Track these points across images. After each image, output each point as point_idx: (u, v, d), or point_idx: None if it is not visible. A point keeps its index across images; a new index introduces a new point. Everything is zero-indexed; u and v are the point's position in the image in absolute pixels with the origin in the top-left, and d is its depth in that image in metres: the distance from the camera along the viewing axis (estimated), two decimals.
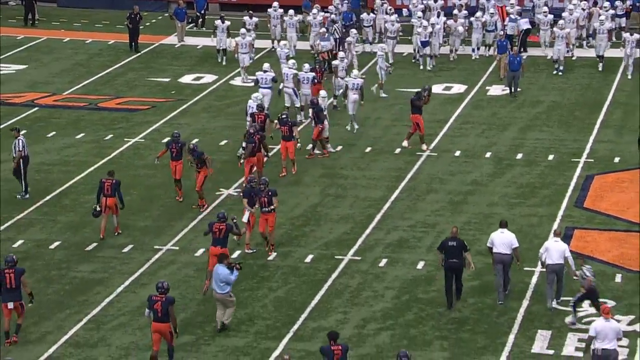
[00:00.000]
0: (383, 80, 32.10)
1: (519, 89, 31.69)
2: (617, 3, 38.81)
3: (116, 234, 22.80)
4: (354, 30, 36.64)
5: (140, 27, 39.69)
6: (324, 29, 35.65)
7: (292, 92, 29.72)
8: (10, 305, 17.73)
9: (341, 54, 32.56)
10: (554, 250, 19.22)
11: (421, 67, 35.11)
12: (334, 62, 31.46)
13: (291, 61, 31.79)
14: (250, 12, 38.10)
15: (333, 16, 37.66)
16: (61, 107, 34.01)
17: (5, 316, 17.96)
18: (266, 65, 31.27)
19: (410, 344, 16.63)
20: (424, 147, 26.85)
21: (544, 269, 18.97)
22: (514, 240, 19.04)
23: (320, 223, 22.16)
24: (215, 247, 20.04)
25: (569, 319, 17.59)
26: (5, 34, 41.95)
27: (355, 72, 30.78)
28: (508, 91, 31.59)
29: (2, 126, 31.52)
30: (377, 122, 29.52)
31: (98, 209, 22.70)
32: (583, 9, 36.57)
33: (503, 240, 18.68)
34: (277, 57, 34.43)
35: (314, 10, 38.96)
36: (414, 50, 36.82)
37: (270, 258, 20.96)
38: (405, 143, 27.13)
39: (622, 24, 36.55)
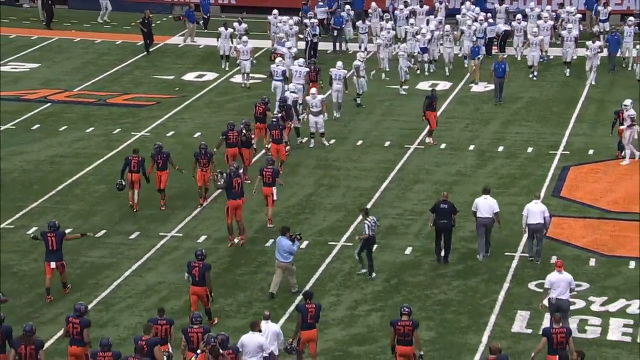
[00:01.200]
0: (404, 79, 31.73)
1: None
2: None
3: (135, 210, 22.99)
4: (384, 33, 35.54)
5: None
6: (282, 34, 35.26)
7: (301, 88, 29.58)
8: (53, 264, 18.49)
9: (361, 54, 32.15)
10: (536, 211, 20.15)
11: (425, 73, 33.32)
12: (355, 63, 30.84)
13: (301, 59, 31.72)
14: (240, 18, 37.58)
15: (306, 20, 37.01)
16: (72, 103, 33.91)
17: (47, 274, 18.67)
18: (278, 60, 31.27)
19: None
20: (429, 140, 26.89)
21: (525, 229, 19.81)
22: (495, 205, 20.17)
23: (315, 211, 22.17)
24: (231, 199, 20.69)
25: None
26: (20, 35, 41.91)
27: (339, 63, 30.45)
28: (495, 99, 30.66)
29: (17, 121, 31.38)
30: (368, 117, 29.23)
31: (123, 183, 23.29)
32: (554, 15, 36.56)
33: (486, 205, 19.62)
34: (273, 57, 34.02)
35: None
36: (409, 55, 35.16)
37: (267, 244, 20.98)
38: (429, 140, 27.01)
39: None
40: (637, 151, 24.35)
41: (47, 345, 16.51)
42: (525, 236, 20.36)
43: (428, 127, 27.33)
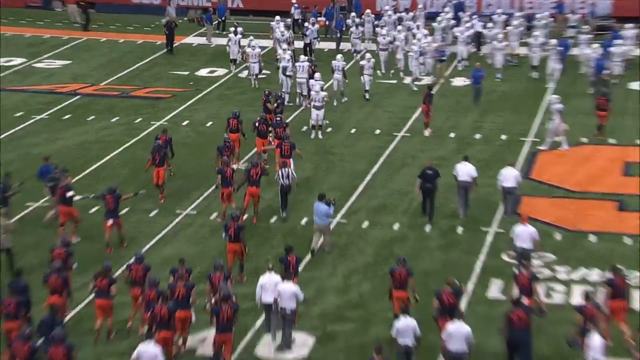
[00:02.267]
0: (415, 76, 31.19)
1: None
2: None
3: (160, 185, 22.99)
4: (380, 38, 34.42)
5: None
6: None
7: (304, 81, 29.30)
8: (110, 221, 19.14)
9: (368, 55, 31.83)
10: (509, 175, 20.88)
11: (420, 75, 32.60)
12: (361, 62, 30.70)
13: (302, 56, 31.63)
14: (234, 27, 36.49)
15: (307, 24, 36.71)
16: (99, 96, 33.36)
17: (107, 230, 19.39)
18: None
19: (386, 294, 16.83)
20: (428, 132, 26.61)
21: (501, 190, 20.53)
22: (473, 171, 20.96)
23: (313, 192, 21.64)
24: (252, 187, 20.72)
25: None
26: (54, 35, 42.14)
27: (338, 56, 30.42)
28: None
29: (50, 112, 31.01)
30: (361, 108, 28.95)
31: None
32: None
33: (465, 170, 20.24)
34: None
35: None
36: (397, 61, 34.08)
37: (272, 221, 20.99)
38: (427, 132, 26.69)
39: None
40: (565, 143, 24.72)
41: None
42: (492, 231, 20.39)
43: (426, 120, 26.67)
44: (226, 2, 43.31)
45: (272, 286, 15.90)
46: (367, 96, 29.59)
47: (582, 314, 14.93)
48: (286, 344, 15.55)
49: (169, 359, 14.96)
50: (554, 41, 32.73)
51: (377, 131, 26.70)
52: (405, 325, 14.99)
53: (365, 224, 20.02)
